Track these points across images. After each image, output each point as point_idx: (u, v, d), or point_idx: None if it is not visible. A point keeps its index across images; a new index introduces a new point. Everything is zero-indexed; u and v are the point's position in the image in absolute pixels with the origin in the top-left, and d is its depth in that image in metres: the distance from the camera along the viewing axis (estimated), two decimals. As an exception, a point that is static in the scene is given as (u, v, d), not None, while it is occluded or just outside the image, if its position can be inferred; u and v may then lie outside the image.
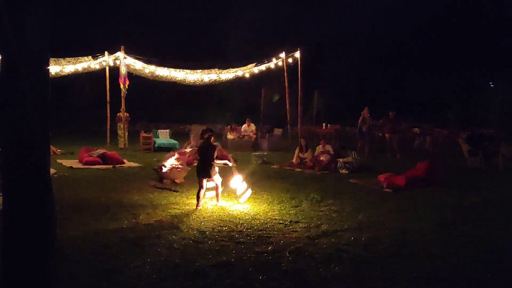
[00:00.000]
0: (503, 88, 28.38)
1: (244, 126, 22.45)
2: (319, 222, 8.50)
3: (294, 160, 15.90)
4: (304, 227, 8.16)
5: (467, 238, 7.60)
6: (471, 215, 9.30)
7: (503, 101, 27.48)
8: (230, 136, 22.14)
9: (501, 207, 10.05)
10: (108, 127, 21.51)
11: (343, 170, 14.66)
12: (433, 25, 35.09)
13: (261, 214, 9.07)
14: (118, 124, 20.66)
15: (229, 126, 22.65)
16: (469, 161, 16.05)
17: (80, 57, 20.31)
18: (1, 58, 3.42)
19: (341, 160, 15.05)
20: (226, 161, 11.15)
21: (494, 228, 8.28)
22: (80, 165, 14.77)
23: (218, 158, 16.73)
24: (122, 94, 19.77)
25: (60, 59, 19.76)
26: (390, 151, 19.03)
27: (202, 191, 9.69)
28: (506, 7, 33.30)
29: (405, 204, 10.15)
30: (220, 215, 8.89)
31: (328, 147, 16.06)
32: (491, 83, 34.83)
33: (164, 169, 12.22)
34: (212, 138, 10.10)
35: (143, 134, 20.38)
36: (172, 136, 22.10)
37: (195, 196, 9.74)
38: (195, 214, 8.92)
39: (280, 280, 5.68)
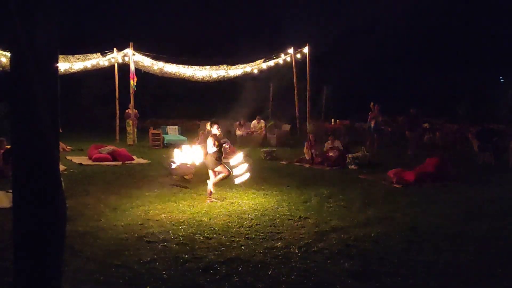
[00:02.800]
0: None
1: (253, 122, 22.48)
2: (328, 218, 8.49)
3: (306, 156, 15.84)
4: (313, 223, 8.15)
5: (477, 234, 7.56)
6: (481, 211, 9.25)
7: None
8: (239, 132, 22.16)
9: (511, 202, 9.98)
10: (117, 123, 21.58)
11: (352, 166, 14.63)
12: (444, 20, 34.90)
13: (270, 210, 9.07)
14: (127, 120, 20.71)
15: (237, 122, 22.66)
16: (479, 156, 15.97)
17: (89, 54, 20.37)
18: (10, 55, 3.43)
19: (350, 155, 15.02)
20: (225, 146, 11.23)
21: (505, 224, 8.23)
22: (89, 162, 14.82)
23: (227, 153, 16.86)
24: (131, 91, 19.81)
25: (69, 56, 19.82)
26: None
27: (208, 182, 9.83)
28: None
29: (415, 200, 10.11)
30: (229, 211, 8.89)
31: (337, 143, 16.02)
32: (501, 77, 34.58)
33: (174, 166, 12.24)
34: (210, 128, 10.11)
35: (152, 131, 20.41)
36: (181, 132, 22.13)
37: (205, 192, 9.75)
38: (205, 210, 8.93)
39: (289, 275, 5.68)
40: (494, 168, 14.80)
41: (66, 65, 19.73)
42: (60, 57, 18.46)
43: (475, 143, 16.50)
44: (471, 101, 28.69)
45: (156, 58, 20.36)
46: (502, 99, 28.07)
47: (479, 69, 32.65)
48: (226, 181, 10.41)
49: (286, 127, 23.49)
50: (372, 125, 19.76)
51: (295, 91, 22.84)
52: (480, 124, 20.57)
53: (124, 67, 20.66)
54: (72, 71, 20.37)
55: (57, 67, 3.55)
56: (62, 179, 3.67)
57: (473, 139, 16.70)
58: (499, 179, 12.82)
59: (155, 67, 20.41)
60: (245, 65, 21.81)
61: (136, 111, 20.87)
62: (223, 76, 21.74)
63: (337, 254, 6.45)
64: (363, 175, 13.23)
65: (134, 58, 19.58)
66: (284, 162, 15.85)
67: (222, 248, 6.64)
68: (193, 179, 12.04)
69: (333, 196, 10.38)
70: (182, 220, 8.14)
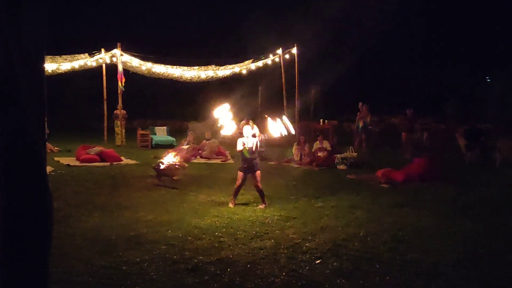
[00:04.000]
0: (500, 83, 28.38)
1: (242, 123, 22.45)
2: (317, 218, 8.51)
3: (295, 156, 15.87)
4: (302, 223, 8.16)
5: (465, 233, 7.61)
6: (469, 210, 9.31)
7: (500, 96, 27.48)
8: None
9: (498, 202, 10.06)
10: (105, 124, 21.50)
11: (341, 166, 14.70)
12: (431, 20, 35.07)
13: (259, 210, 9.08)
14: (115, 121, 20.66)
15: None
16: (467, 156, 16.07)
17: (76, 55, 20.27)
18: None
19: (338, 156, 15.08)
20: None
21: (492, 223, 8.30)
22: (77, 163, 14.74)
23: (216, 153, 16.86)
24: (119, 92, 19.75)
25: (56, 56, 19.73)
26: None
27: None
28: (504, 2, 33.32)
29: (403, 200, 10.16)
30: (217, 212, 8.88)
31: (326, 143, 16.06)
32: (487, 77, 34.85)
33: (162, 166, 12.22)
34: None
35: (140, 131, 20.36)
36: (170, 133, 22.08)
37: (193, 192, 9.74)
38: (193, 211, 8.92)
39: (278, 275, 5.68)
40: (482, 167, 14.91)
41: (54, 65, 19.63)
42: (48, 57, 18.37)
43: (462, 143, 16.61)
44: (458, 101, 28.86)
45: (144, 58, 20.31)
46: (489, 99, 28.25)
47: (466, 69, 32.87)
48: (213, 182, 10.40)
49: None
50: (361, 125, 19.81)
51: (284, 92, 22.85)
52: (467, 123, 20.70)
53: (112, 68, 20.58)
54: (59, 71, 20.26)
55: (44, 67, 3.53)
56: (49, 180, 3.65)
57: (461, 139, 16.81)
58: (486, 178, 12.93)
59: (143, 68, 20.37)
60: (233, 65, 21.81)
61: (125, 111, 20.82)
62: (212, 77, 21.72)
63: (326, 254, 6.46)
64: (351, 175, 13.28)
65: (122, 58, 19.53)
66: (273, 162, 15.86)
67: (211, 249, 6.63)
68: (181, 180, 12.02)
69: (321, 196, 10.41)
70: (170, 221, 8.11)
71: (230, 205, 9.33)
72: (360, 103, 20.22)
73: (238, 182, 9.39)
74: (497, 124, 22.69)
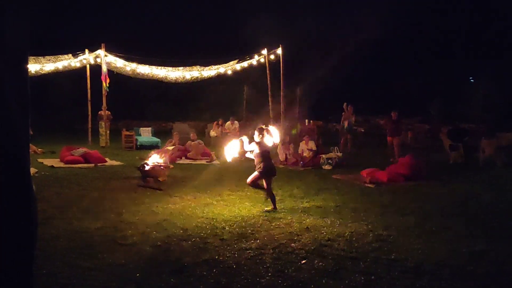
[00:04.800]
0: (483, 84, 28.69)
1: (228, 123, 22.47)
2: (302, 218, 8.53)
3: (280, 157, 15.89)
4: (287, 223, 8.18)
5: (449, 233, 7.67)
6: (452, 209, 9.40)
7: (483, 96, 27.78)
8: (213, 133, 22.13)
9: (482, 201, 10.15)
10: (90, 125, 21.38)
11: (326, 166, 14.75)
12: (415, 21, 35.32)
13: (244, 210, 9.07)
14: (99, 122, 20.54)
15: (215, 122, 22.67)
16: (451, 155, 16.20)
17: (60, 55, 20.12)
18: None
19: (324, 156, 15.13)
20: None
21: (476, 222, 8.38)
22: (61, 164, 14.64)
23: (201, 154, 16.83)
24: (103, 92, 19.65)
25: (40, 57, 19.56)
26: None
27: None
28: (487, 1, 33.65)
29: (388, 199, 10.22)
30: (203, 213, 8.86)
31: (311, 144, 16.10)
32: (471, 78, 35.19)
33: (147, 167, 12.17)
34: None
35: (125, 132, 20.26)
36: (155, 134, 22.01)
37: (178, 194, 9.69)
38: (178, 212, 8.89)
39: (264, 276, 5.69)
40: (465, 167, 15.04)
41: (37, 66, 19.47)
42: (31, 58, 18.21)
43: (446, 142, 16.74)
44: (442, 101, 29.10)
45: (129, 59, 20.21)
46: (472, 99, 28.54)
47: (450, 69, 33.16)
48: (198, 183, 10.36)
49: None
50: (346, 125, 19.89)
51: (269, 92, 22.85)
52: (451, 123, 20.87)
53: (96, 69, 20.46)
54: (43, 72, 20.11)
55: (28, 68, 3.50)
56: (33, 181, 3.62)
57: (445, 139, 16.94)
58: (470, 177, 13.06)
59: (128, 68, 20.25)
60: (218, 66, 21.77)
61: (109, 112, 20.71)
62: (197, 77, 21.67)
63: (311, 254, 6.48)
64: (336, 175, 13.33)
65: (106, 59, 19.42)
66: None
67: (196, 250, 6.62)
68: (166, 181, 11.98)
69: (306, 196, 10.44)
70: (155, 223, 8.09)
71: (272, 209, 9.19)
72: (345, 104, 20.31)
73: (268, 186, 9.36)
74: (480, 124, 22.95)
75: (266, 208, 9.16)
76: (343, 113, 20.23)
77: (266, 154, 9.37)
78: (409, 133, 21.81)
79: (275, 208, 9.16)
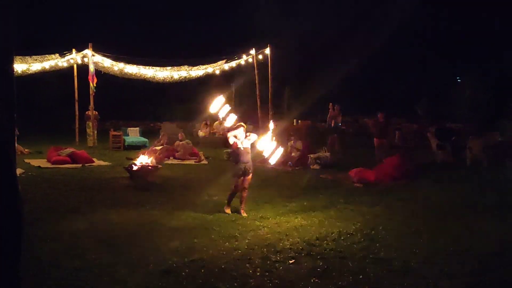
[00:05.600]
0: (470, 83, 28.82)
1: (216, 123, 22.45)
2: (290, 218, 8.55)
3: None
4: (276, 223, 8.19)
5: (436, 231, 7.72)
6: (440, 208, 9.46)
7: (470, 96, 27.91)
8: (201, 133, 22.11)
9: (469, 200, 10.22)
10: (77, 125, 21.25)
11: (314, 166, 14.78)
12: (401, 21, 35.43)
13: (233, 210, 9.06)
14: (87, 122, 20.44)
15: (203, 122, 22.64)
16: (438, 155, 16.28)
17: (47, 55, 19.96)
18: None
19: (312, 156, 15.16)
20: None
21: (463, 221, 8.43)
22: (48, 165, 14.54)
23: (189, 154, 16.80)
24: (90, 92, 19.54)
25: (26, 57, 19.39)
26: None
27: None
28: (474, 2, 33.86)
29: (375, 199, 10.26)
30: (191, 213, 8.84)
31: (299, 143, 16.12)
32: (458, 78, 35.40)
33: (135, 168, 12.13)
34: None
35: (112, 132, 20.16)
36: (142, 134, 21.92)
37: (166, 193, 9.66)
38: (166, 212, 8.87)
39: (252, 276, 5.69)
40: (453, 166, 15.12)
41: (23, 66, 19.30)
42: (17, 58, 18.06)
43: (433, 142, 16.82)
44: (430, 101, 29.22)
45: (116, 59, 20.11)
46: (460, 99, 28.66)
47: (437, 69, 33.33)
48: (186, 183, 10.33)
49: (249, 128, 23.46)
50: (332, 125, 19.96)
51: (257, 92, 22.84)
52: (438, 123, 20.96)
53: (83, 68, 20.34)
54: (29, 72, 19.94)
55: (14, 68, 3.48)
56: (19, 182, 3.60)
57: (432, 138, 17.01)
58: (457, 177, 13.14)
59: (116, 68, 20.14)
60: (206, 65, 21.72)
61: (96, 112, 20.61)
62: (185, 77, 21.60)
63: (300, 254, 6.50)
64: (324, 175, 13.36)
65: (93, 59, 19.32)
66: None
67: (185, 250, 6.61)
68: (154, 181, 11.94)
69: (295, 196, 10.46)
70: (143, 223, 8.06)
71: (227, 211, 8.99)
72: (331, 104, 20.39)
73: (235, 188, 9.00)
74: (467, 124, 23.08)
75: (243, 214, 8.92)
76: (329, 113, 20.32)
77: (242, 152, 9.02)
78: (397, 133, 21.89)
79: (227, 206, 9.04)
